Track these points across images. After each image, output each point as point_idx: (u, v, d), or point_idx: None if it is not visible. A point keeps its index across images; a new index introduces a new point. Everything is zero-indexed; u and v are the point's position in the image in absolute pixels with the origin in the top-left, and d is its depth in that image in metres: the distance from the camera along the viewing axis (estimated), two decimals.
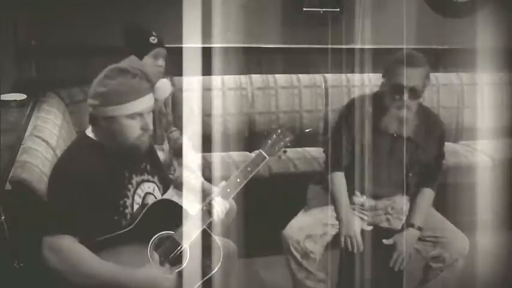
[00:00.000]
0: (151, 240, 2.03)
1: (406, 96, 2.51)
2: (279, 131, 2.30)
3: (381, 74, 2.67)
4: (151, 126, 2.08)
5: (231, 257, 2.36)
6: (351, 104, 2.74)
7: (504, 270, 3.12)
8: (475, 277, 2.89)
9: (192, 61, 3.76)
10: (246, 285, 2.65)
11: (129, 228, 2.02)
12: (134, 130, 2.04)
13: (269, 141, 2.26)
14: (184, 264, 2.05)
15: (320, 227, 2.68)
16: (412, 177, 2.74)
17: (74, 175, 1.96)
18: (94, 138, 2.08)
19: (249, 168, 2.18)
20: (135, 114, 2.02)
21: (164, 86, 2.09)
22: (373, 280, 2.66)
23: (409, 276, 2.77)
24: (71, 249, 1.91)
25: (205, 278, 2.06)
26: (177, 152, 3.04)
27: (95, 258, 1.93)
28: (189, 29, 3.75)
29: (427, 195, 2.74)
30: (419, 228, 2.66)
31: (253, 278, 3.23)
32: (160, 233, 2.05)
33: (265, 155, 2.23)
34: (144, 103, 2.04)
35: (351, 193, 2.75)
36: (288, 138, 2.31)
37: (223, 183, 2.19)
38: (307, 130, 3.19)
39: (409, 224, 2.67)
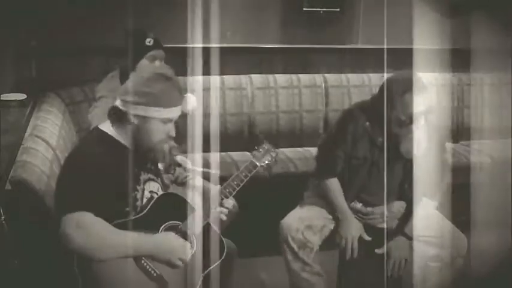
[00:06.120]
0: (161, 228, 2.12)
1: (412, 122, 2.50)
2: (266, 147, 2.56)
3: (381, 74, 2.68)
4: (174, 134, 2.18)
5: (231, 256, 2.37)
6: (347, 115, 2.76)
7: (503, 270, 3.11)
8: (474, 277, 2.89)
9: (192, 61, 3.76)
10: (245, 285, 2.65)
11: (140, 215, 2.10)
12: (161, 134, 2.13)
13: (259, 153, 2.53)
14: (193, 252, 2.14)
15: (320, 220, 2.71)
16: (408, 188, 2.73)
17: (89, 164, 2.03)
18: (108, 133, 2.14)
19: (243, 174, 2.39)
20: (168, 120, 2.12)
21: (191, 101, 2.17)
22: (372, 280, 2.67)
23: (407, 276, 2.78)
24: (94, 222, 1.97)
25: (209, 269, 2.16)
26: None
27: (115, 229, 2.01)
28: (190, 29, 3.76)
29: (425, 205, 2.70)
30: (410, 238, 2.66)
31: (253, 278, 3.23)
32: (169, 222, 2.14)
33: (256, 163, 2.48)
34: (177, 111, 2.16)
35: (348, 200, 2.75)
36: (273, 153, 2.57)
37: (224, 184, 2.32)
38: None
39: (400, 232, 2.68)
